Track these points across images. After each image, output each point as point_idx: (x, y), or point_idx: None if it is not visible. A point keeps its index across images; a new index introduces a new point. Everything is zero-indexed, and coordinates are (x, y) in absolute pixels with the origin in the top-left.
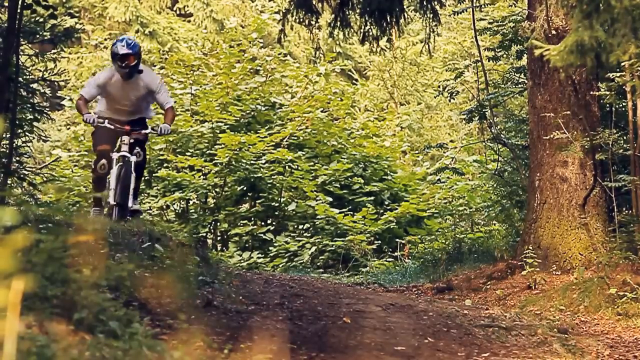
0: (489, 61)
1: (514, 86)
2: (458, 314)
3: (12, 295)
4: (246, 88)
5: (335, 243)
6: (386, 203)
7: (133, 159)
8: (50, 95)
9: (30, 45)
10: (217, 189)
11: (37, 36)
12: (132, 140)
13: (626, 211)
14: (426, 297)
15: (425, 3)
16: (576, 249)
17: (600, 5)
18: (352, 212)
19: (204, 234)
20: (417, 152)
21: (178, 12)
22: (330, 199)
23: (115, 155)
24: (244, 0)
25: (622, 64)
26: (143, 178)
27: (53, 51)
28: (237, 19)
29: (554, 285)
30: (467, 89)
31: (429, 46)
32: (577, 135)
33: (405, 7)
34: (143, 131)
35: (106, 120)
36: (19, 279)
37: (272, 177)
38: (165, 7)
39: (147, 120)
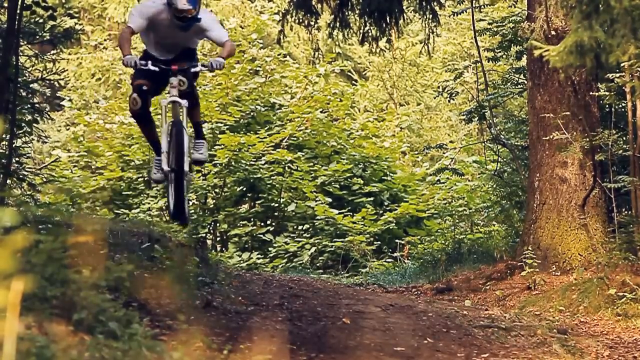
0: (488, 62)
1: (513, 87)
2: (457, 315)
3: (12, 296)
4: (246, 89)
5: (334, 244)
6: (386, 204)
7: (185, 103)
8: (49, 95)
9: (29, 46)
10: (217, 190)
11: (37, 37)
12: (181, 79)
13: (626, 212)
14: (426, 298)
15: (424, 4)
16: (576, 250)
17: (600, 5)
18: (351, 213)
19: (204, 235)
20: (416, 152)
21: None
22: (330, 200)
23: (163, 103)
24: (244, 0)
25: (622, 64)
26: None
27: (52, 52)
28: (236, 19)
29: (553, 285)
30: (467, 89)
31: (428, 47)
32: (577, 136)
33: (404, 7)
34: (192, 69)
35: (149, 62)
36: (18, 280)
37: (272, 177)
38: None
39: (193, 49)
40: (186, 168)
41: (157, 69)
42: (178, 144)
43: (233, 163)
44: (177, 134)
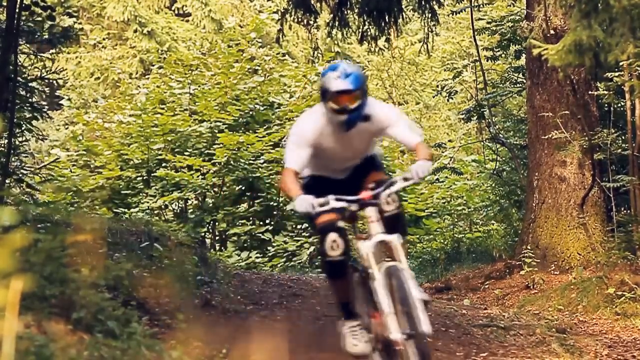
0: (487, 61)
1: (512, 86)
2: (456, 314)
3: (11, 295)
4: (245, 88)
5: None
6: None
7: (396, 240)
8: (48, 94)
9: (28, 45)
10: (216, 189)
11: (36, 36)
12: (384, 211)
13: (624, 211)
14: None
15: (423, 3)
16: (574, 249)
17: (599, 4)
18: None
19: (203, 234)
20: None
21: (176, 11)
22: None
23: (366, 249)
24: (241, 2)
25: (621, 63)
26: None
27: (51, 51)
28: (235, 18)
29: (552, 285)
30: (466, 88)
31: (427, 46)
32: (576, 135)
33: (403, 6)
34: (398, 185)
35: (330, 199)
36: (17, 279)
37: (271, 176)
38: (164, 6)
39: (374, 156)
40: (428, 329)
41: (345, 204)
42: (405, 297)
43: (232, 162)
44: (401, 286)
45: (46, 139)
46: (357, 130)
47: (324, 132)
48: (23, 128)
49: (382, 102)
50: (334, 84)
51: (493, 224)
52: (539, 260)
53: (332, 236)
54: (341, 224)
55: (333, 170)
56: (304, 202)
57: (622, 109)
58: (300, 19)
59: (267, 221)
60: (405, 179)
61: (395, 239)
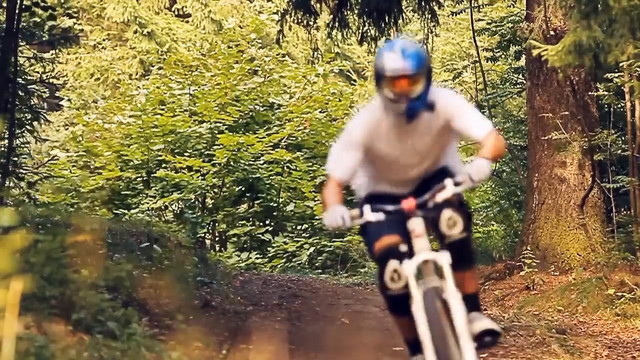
0: (487, 62)
1: (512, 87)
2: None
3: (11, 296)
4: (244, 88)
5: (333, 244)
6: None
7: (444, 259)
8: (48, 95)
9: (28, 46)
10: (216, 190)
11: (36, 37)
12: (444, 235)
13: (624, 212)
14: None
15: (423, 4)
16: (574, 250)
17: (599, 5)
18: None
19: (203, 235)
20: None
21: (176, 12)
22: None
23: (408, 269)
24: (243, 0)
25: (621, 64)
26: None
27: (51, 52)
28: (235, 19)
29: (552, 285)
30: (466, 89)
31: (427, 47)
32: (576, 136)
33: (403, 7)
34: (447, 191)
35: (366, 210)
36: (17, 280)
37: (271, 177)
38: (164, 7)
39: (449, 168)
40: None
41: (381, 216)
42: (441, 326)
43: (232, 163)
44: (433, 313)
45: (46, 140)
46: (421, 125)
47: (379, 129)
48: (23, 129)
49: (441, 88)
50: (390, 64)
51: (493, 225)
52: (538, 261)
53: (393, 264)
54: (404, 248)
55: (394, 182)
56: (331, 215)
57: (622, 109)
58: (300, 20)
59: (267, 222)
60: (457, 184)
61: (442, 258)
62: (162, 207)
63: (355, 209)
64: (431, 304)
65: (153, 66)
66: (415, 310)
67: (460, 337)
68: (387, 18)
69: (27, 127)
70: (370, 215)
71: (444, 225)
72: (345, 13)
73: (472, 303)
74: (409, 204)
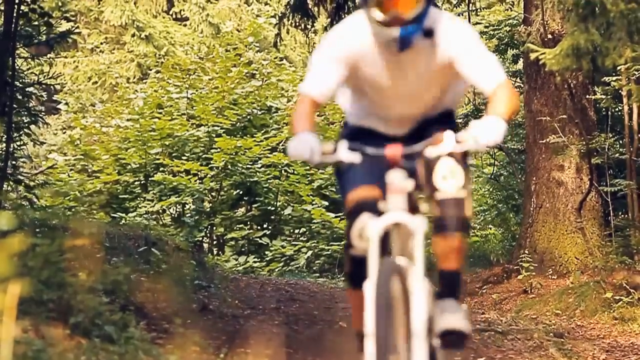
0: None
1: None
2: None
3: (9, 299)
4: (242, 92)
5: (331, 247)
6: None
7: (418, 225)
8: (46, 99)
9: (26, 49)
10: (213, 193)
11: (33, 40)
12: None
13: (622, 215)
14: None
15: None
16: (572, 253)
17: (596, 9)
18: None
19: (200, 238)
20: None
21: (174, 16)
22: (327, 203)
23: (374, 229)
24: (240, 4)
25: (618, 67)
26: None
27: (49, 55)
28: (233, 22)
29: (550, 289)
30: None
31: None
32: (573, 140)
33: None
34: (445, 145)
35: (342, 147)
36: (15, 283)
37: (268, 181)
38: (162, 11)
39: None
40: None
41: (356, 157)
42: (388, 317)
43: (229, 166)
44: (384, 299)
45: (44, 143)
46: (416, 55)
47: (364, 50)
48: (21, 132)
49: (452, 15)
50: None
51: (491, 229)
52: (536, 265)
53: (365, 218)
54: (384, 205)
55: (385, 119)
56: (299, 144)
57: (619, 113)
58: (297, 23)
59: (265, 226)
60: (458, 142)
61: (416, 223)
62: (160, 211)
63: (331, 142)
64: (384, 286)
65: (151, 70)
66: (366, 289)
67: (413, 337)
68: None
69: (25, 130)
70: (345, 154)
71: (439, 177)
72: (343, 16)
73: (450, 285)
74: (393, 150)
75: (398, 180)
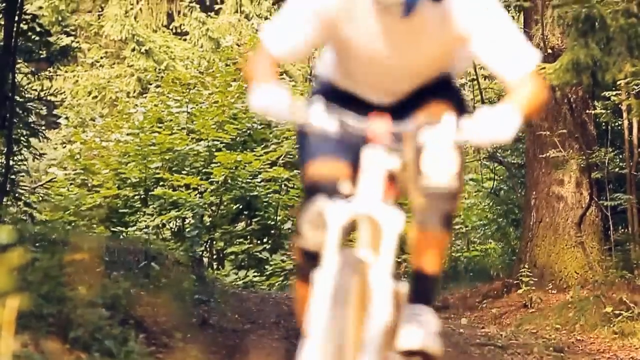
0: (484, 79)
1: None
2: (454, 333)
3: (8, 314)
4: (242, 106)
5: None
6: None
7: (394, 219)
8: (46, 113)
9: (26, 64)
10: (213, 208)
11: (33, 55)
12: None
13: (622, 230)
14: None
15: None
16: (572, 268)
17: (596, 23)
18: None
19: (200, 253)
20: None
21: (174, 30)
22: None
23: (339, 217)
24: (240, 18)
25: (618, 82)
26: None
27: (49, 70)
28: (233, 37)
29: (550, 303)
30: None
31: None
32: (573, 154)
33: None
34: (442, 131)
35: (318, 108)
36: (14, 297)
37: (268, 195)
38: (162, 25)
39: (454, 82)
40: None
41: (354, 123)
42: (337, 317)
43: (229, 181)
44: (339, 300)
45: (43, 155)
46: (421, 23)
47: (351, 6)
48: (21, 147)
49: None
50: None
51: (490, 243)
52: (536, 279)
53: (322, 204)
54: (347, 187)
55: (370, 86)
56: (265, 95)
57: (619, 127)
58: None
59: (265, 240)
60: (459, 129)
61: (389, 217)
62: (160, 225)
63: (302, 100)
64: (339, 282)
65: (151, 84)
66: (316, 280)
67: (364, 349)
68: None
69: (25, 144)
70: (319, 118)
71: (428, 159)
72: None
73: (423, 288)
74: (379, 127)
75: (377, 159)
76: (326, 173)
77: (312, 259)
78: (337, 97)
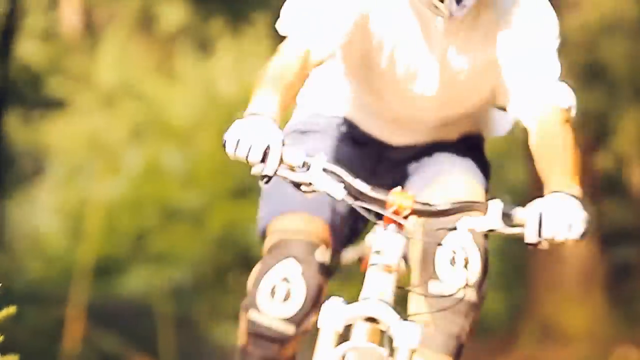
0: None
1: None
2: None
3: None
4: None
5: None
6: None
7: (410, 335)
8: (36, 162)
9: (16, 111)
10: (210, 260)
11: (26, 102)
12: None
13: (628, 284)
14: None
15: None
16: (577, 322)
17: (601, 69)
18: None
19: (195, 308)
20: None
21: (168, 75)
22: None
23: (333, 322)
24: (237, 63)
25: (624, 130)
26: None
27: (40, 116)
28: (229, 82)
29: (554, 359)
30: None
31: None
32: None
33: None
34: (483, 222)
35: (320, 158)
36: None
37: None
38: (155, 71)
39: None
40: None
41: (338, 194)
42: None
43: (227, 232)
44: None
45: (33, 208)
46: (470, 30)
47: (399, 26)
48: (12, 197)
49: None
50: None
51: (492, 296)
52: (539, 334)
53: (288, 267)
54: (324, 254)
55: (393, 114)
56: (249, 133)
57: (625, 177)
58: None
59: None
60: (508, 221)
61: (407, 332)
62: (154, 281)
63: (297, 147)
64: None
65: (144, 131)
66: None
67: None
68: None
69: (15, 194)
70: (322, 178)
71: (443, 259)
72: None
73: None
74: (401, 199)
75: (391, 245)
76: (300, 230)
77: (264, 342)
78: (340, 136)
